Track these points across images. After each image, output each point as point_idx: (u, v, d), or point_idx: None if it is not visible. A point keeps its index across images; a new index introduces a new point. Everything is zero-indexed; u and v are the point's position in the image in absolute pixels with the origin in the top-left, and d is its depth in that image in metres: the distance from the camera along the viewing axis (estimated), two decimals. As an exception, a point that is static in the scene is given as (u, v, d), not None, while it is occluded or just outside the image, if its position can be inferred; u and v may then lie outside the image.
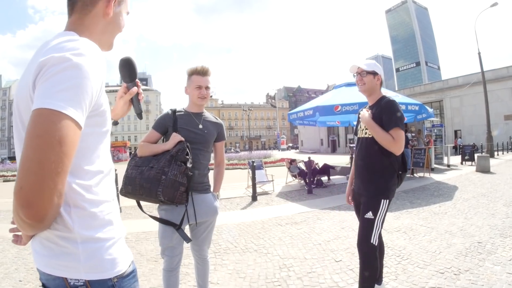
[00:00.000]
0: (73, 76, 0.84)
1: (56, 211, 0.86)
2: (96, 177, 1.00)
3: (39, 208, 0.78)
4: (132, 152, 2.53)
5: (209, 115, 2.56)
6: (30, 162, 0.77)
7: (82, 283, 0.95)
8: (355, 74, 2.74)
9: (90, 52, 0.91)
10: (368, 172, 2.63)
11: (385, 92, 2.79)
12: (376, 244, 2.51)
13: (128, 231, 5.37)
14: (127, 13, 1.17)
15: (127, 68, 1.39)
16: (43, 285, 1.02)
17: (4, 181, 19.61)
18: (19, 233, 1.08)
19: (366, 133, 2.66)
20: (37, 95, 0.83)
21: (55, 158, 0.79)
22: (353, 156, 2.92)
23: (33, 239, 1.00)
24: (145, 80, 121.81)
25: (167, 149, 2.19)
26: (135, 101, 1.44)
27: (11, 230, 1.10)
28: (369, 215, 2.51)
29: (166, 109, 2.55)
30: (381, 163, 2.56)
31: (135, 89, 1.38)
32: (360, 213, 2.64)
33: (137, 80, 1.43)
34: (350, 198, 2.91)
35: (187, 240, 2.23)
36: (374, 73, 2.66)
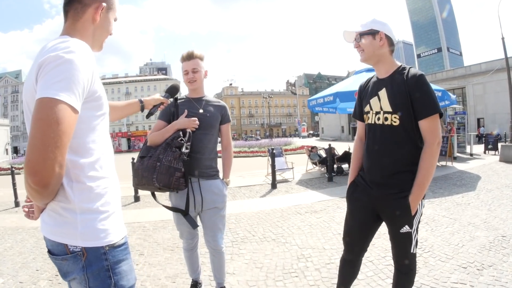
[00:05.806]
0: (66, 69, 1.01)
1: (59, 180, 1.01)
2: (96, 155, 1.18)
3: (43, 175, 0.95)
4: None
5: (211, 99, 2.57)
6: (34, 139, 0.95)
7: (79, 249, 1.13)
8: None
9: (79, 49, 1.08)
10: (396, 171, 1.91)
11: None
12: (416, 252, 2.03)
13: (146, 220, 5.48)
14: (115, 19, 1.36)
15: (173, 90, 2.22)
16: (49, 251, 1.20)
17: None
18: (32, 209, 1.24)
19: (381, 118, 1.94)
20: (38, 87, 1.01)
21: (53, 135, 0.95)
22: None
23: (43, 212, 1.18)
24: (164, 70, 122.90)
25: (167, 136, 2.26)
26: (155, 107, 2.04)
27: (24, 206, 1.27)
28: (405, 229, 1.92)
29: None
30: (412, 155, 1.88)
31: (165, 100, 2.08)
32: (389, 225, 2.03)
33: (170, 99, 2.20)
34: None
35: (194, 226, 2.32)
36: (373, 32, 1.94)
